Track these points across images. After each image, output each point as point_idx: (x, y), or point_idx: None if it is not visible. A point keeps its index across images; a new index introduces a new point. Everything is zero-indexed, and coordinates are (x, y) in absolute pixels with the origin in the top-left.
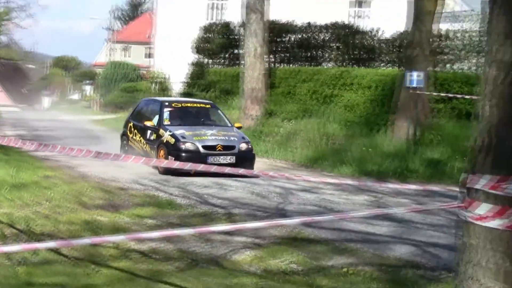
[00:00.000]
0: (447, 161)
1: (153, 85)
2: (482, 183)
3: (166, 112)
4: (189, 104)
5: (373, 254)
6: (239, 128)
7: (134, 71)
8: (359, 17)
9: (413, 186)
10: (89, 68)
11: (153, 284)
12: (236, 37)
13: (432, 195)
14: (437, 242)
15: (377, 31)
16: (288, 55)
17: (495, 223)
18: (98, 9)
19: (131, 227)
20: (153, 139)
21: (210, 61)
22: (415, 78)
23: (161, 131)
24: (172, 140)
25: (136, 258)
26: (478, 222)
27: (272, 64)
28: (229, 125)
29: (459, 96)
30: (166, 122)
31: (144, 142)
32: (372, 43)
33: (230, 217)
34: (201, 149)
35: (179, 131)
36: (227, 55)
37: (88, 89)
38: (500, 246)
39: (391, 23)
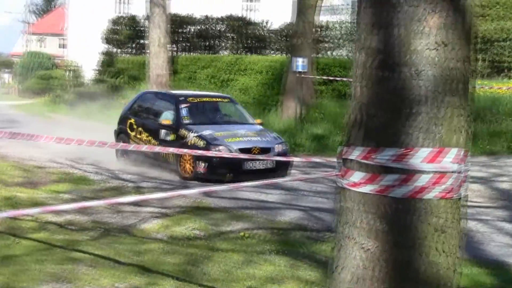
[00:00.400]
0: (329, 136)
1: (67, 72)
2: (355, 154)
3: (184, 108)
4: (206, 99)
5: (266, 219)
6: (261, 124)
7: (49, 60)
8: (251, 10)
9: (297, 159)
10: (7, 58)
11: (69, 252)
12: (141, 28)
13: (317, 166)
14: (321, 207)
15: (266, 22)
16: (188, 44)
17: (367, 189)
18: (13, 3)
19: (48, 202)
20: (171, 140)
21: (119, 50)
22: (300, 63)
23: (183, 131)
24: (201, 143)
25: (53, 230)
26: (353, 188)
27: (175, 53)
28: (252, 121)
29: (338, 79)
30: (187, 121)
31: (156, 143)
32: (262, 33)
33: (138, 190)
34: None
35: (207, 132)
36: (134, 45)
37: (7, 77)
38: (372, 208)
39: (279, 16)
